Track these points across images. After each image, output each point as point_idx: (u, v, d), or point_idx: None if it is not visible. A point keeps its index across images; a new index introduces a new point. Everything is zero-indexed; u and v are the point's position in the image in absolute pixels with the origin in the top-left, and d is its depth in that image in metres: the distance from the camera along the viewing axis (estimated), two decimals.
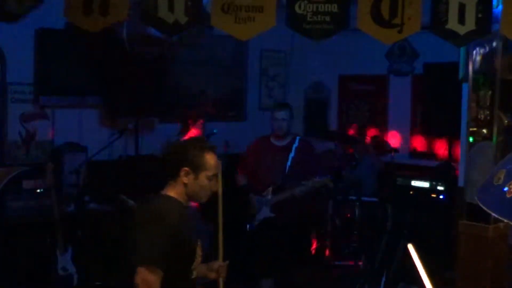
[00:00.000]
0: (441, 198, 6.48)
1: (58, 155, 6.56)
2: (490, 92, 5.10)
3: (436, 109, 7.05)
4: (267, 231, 5.60)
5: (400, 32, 4.09)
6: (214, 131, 5.94)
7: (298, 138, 5.76)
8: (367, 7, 4.10)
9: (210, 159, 3.19)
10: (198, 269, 3.25)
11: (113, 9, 4.30)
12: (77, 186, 6.23)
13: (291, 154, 5.61)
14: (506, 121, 5.23)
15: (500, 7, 4.11)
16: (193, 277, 3.17)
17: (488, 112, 5.13)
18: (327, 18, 4.18)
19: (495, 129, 5.05)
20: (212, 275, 3.44)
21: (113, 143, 6.48)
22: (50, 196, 5.64)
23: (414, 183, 6.74)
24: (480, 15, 3.99)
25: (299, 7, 4.21)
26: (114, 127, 6.85)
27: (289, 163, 5.59)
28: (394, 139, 8.10)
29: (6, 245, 5.88)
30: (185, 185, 3.15)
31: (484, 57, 5.16)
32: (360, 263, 6.62)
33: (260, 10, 4.22)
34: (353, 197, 7.15)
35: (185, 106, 7.70)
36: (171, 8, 4.28)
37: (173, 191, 3.18)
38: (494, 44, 4.99)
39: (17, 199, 5.95)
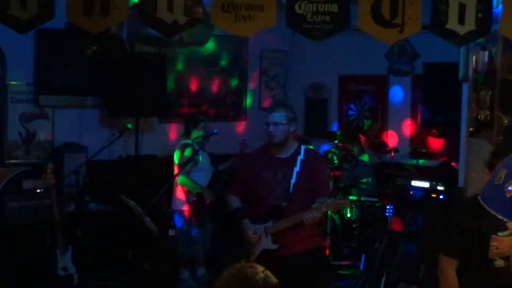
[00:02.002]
0: (441, 198, 6.47)
1: (58, 155, 6.56)
2: (490, 92, 5.11)
3: (436, 109, 7.05)
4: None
5: (401, 32, 4.09)
6: (214, 131, 5.94)
7: (303, 148, 4.58)
8: (367, 7, 4.10)
9: None
10: None
11: (114, 10, 4.29)
12: (77, 186, 6.23)
13: (296, 168, 4.44)
14: (506, 121, 5.24)
15: (500, 7, 4.11)
16: (498, 266, 3.43)
17: (488, 112, 5.13)
18: (327, 18, 4.18)
19: (495, 129, 5.06)
20: None
21: (113, 143, 6.48)
22: (50, 196, 5.63)
23: (414, 183, 6.74)
24: (480, 15, 3.99)
25: (299, 7, 4.20)
26: (114, 127, 6.85)
27: (293, 180, 4.41)
28: (393, 139, 8.10)
29: (6, 245, 5.88)
30: None
31: (484, 57, 5.16)
32: (360, 263, 6.63)
33: (260, 9, 4.21)
34: (353, 197, 7.15)
35: (185, 106, 7.71)
36: (170, 8, 4.28)
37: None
38: (494, 44, 5.00)
39: (17, 199, 5.96)
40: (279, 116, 4.50)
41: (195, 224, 6.14)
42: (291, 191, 4.39)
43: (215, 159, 6.63)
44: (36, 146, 6.67)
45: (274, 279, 2.27)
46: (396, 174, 7.00)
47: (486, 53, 5.14)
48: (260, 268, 2.26)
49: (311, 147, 6.15)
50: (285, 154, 4.52)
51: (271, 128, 4.46)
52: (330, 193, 4.63)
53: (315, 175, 4.47)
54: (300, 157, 4.48)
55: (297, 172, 4.42)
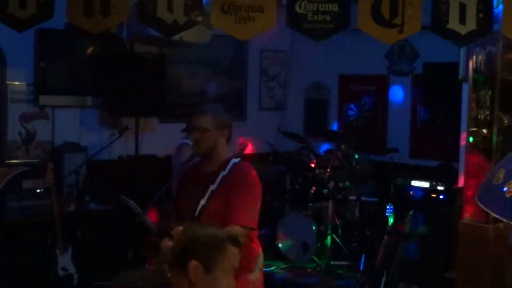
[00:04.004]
0: (441, 198, 6.48)
1: (58, 155, 6.56)
2: (490, 92, 5.10)
3: (436, 109, 7.05)
4: None
5: (400, 32, 4.08)
6: None
7: (233, 162, 3.71)
8: (367, 7, 4.10)
9: None
10: None
11: (114, 10, 4.29)
12: (77, 186, 6.23)
13: (212, 187, 3.62)
14: (506, 121, 5.23)
15: (500, 7, 4.10)
16: None
17: (488, 112, 5.13)
18: (328, 18, 4.18)
19: (495, 129, 5.06)
20: None
21: (113, 143, 6.48)
22: (50, 196, 5.64)
23: (414, 183, 6.74)
24: (481, 15, 3.99)
25: (300, 6, 4.20)
26: (114, 127, 6.85)
27: (204, 200, 3.60)
28: (393, 139, 8.10)
29: (6, 245, 5.88)
30: None
31: (484, 57, 5.16)
32: (360, 263, 6.64)
33: (260, 10, 4.21)
34: (353, 197, 7.16)
35: (185, 106, 7.71)
36: (170, 8, 4.28)
37: None
38: (494, 44, 5.00)
39: (17, 199, 5.95)
40: (204, 120, 3.70)
41: None
42: (196, 215, 3.58)
43: None
44: (36, 146, 6.67)
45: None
46: (396, 174, 7.00)
47: (486, 53, 5.14)
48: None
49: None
50: (210, 169, 3.73)
51: (195, 134, 3.73)
52: (250, 223, 3.53)
53: (230, 196, 3.56)
54: (223, 173, 3.66)
55: (211, 192, 3.62)
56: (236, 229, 3.41)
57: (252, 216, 3.59)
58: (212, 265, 2.42)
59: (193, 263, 2.39)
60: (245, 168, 3.72)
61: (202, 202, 3.59)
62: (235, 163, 3.69)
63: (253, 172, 3.72)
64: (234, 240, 2.52)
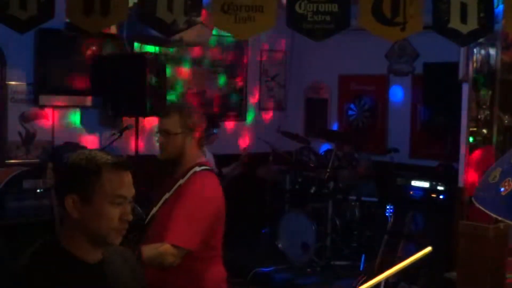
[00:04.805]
0: (441, 198, 6.47)
1: (58, 155, 6.56)
2: (490, 92, 5.11)
3: (436, 109, 7.05)
4: None
5: (403, 30, 4.08)
6: (214, 131, 5.93)
7: (195, 169, 3.34)
8: (368, 6, 4.10)
9: None
10: None
11: (113, 10, 4.29)
12: None
13: (167, 195, 3.35)
14: (506, 121, 5.24)
15: (500, 6, 4.11)
16: None
17: (488, 112, 5.13)
18: (328, 18, 4.18)
19: (495, 129, 5.06)
20: None
21: (113, 143, 6.48)
22: (50, 196, 5.64)
23: (414, 183, 6.74)
24: (482, 14, 3.99)
25: (300, 6, 4.20)
26: (114, 127, 6.85)
27: (156, 208, 3.37)
28: (393, 139, 8.10)
29: (6, 245, 5.88)
30: None
31: (484, 57, 5.16)
32: (360, 263, 6.64)
33: (260, 10, 4.21)
34: (353, 197, 7.16)
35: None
36: (170, 8, 4.28)
37: None
38: (494, 44, 5.00)
39: (17, 199, 5.95)
40: (170, 122, 3.34)
41: None
42: (145, 222, 3.37)
43: (215, 159, 6.63)
44: (36, 146, 6.68)
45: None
46: (396, 174, 7.00)
47: (486, 53, 5.14)
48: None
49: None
50: (176, 175, 3.39)
51: (160, 138, 3.37)
52: (185, 242, 3.11)
53: (174, 208, 3.21)
54: (181, 181, 3.32)
55: (164, 200, 3.34)
56: (164, 248, 3.07)
57: (191, 234, 3.15)
58: (90, 195, 2.09)
59: (68, 196, 2.09)
60: (202, 178, 3.32)
61: (154, 210, 3.34)
62: (195, 172, 3.32)
63: (211, 185, 3.36)
64: (116, 163, 2.14)
